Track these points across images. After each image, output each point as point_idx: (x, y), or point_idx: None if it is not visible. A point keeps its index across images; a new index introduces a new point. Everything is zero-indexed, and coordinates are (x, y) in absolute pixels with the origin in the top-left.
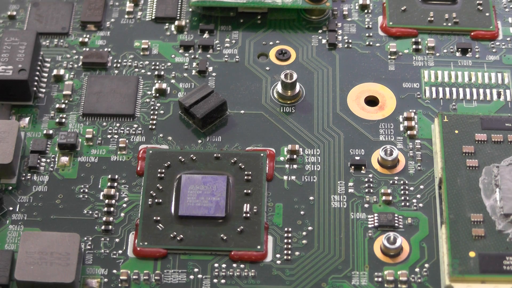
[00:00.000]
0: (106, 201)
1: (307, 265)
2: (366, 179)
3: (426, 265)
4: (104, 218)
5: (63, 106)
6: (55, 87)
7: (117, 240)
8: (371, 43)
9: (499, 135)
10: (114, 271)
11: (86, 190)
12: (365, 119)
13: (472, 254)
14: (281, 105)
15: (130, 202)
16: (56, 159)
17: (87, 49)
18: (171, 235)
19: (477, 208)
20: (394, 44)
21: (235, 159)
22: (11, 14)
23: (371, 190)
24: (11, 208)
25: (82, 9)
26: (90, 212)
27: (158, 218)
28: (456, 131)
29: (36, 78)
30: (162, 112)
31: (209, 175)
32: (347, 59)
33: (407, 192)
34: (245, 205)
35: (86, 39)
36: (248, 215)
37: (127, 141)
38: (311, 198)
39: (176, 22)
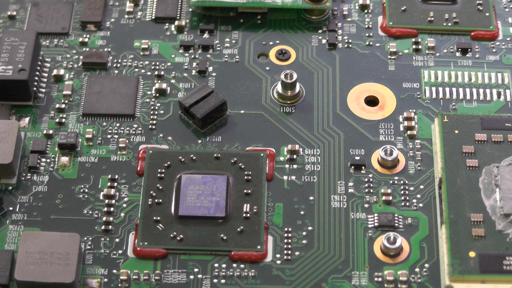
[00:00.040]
0: (106, 201)
1: (307, 265)
2: (366, 179)
3: (426, 265)
4: (104, 218)
5: (63, 106)
6: (55, 87)
7: (117, 240)
8: (371, 43)
9: (499, 135)
10: (114, 271)
11: (86, 190)
12: (365, 119)
13: (472, 254)
14: (281, 105)
15: (130, 202)
16: (56, 159)
17: (87, 49)
18: (171, 235)
19: (477, 208)
20: (394, 44)
21: (235, 159)
22: (11, 14)
23: (371, 190)
24: (11, 208)
25: (82, 9)
26: (90, 212)
27: (158, 218)
28: (456, 131)
29: (36, 78)
30: (162, 112)
31: (209, 175)
32: (347, 59)
33: (407, 192)
34: (245, 205)
35: (86, 39)
36: (248, 215)
37: (127, 141)
38: (311, 198)
39: (176, 22)
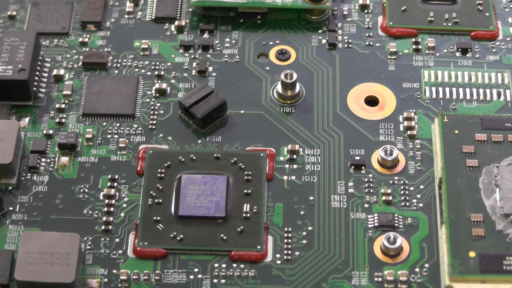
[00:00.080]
0: (106, 201)
1: (307, 265)
2: (366, 179)
3: (426, 265)
4: (104, 218)
5: (63, 106)
6: (55, 87)
7: (117, 240)
8: (371, 43)
9: (499, 135)
10: (114, 271)
11: (86, 190)
12: (365, 119)
13: (472, 254)
14: (281, 105)
15: (130, 202)
16: (56, 159)
17: (87, 49)
18: (171, 235)
19: (477, 208)
20: (394, 44)
21: (235, 159)
22: (11, 14)
23: (371, 190)
24: (11, 208)
25: (82, 9)
26: (90, 212)
27: (158, 218)
28: (456, 131)
29: (36, 78)
30: (162, 112)
31: (209, 175)
32: (347, 59)
33: (407, 192)
34: (245, 205)
35: (86, 39)
36: (248, 215)
37: (127, 141)
38: (311, 198)
39: (176, 22)
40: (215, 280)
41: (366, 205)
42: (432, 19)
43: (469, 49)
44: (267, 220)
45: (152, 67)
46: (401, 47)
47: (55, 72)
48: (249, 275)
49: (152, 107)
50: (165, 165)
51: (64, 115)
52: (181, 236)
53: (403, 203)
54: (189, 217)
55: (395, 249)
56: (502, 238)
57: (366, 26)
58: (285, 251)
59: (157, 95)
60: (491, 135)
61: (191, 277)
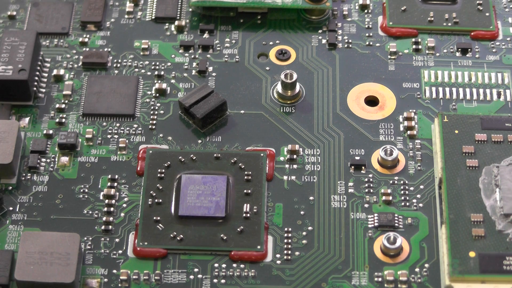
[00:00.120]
0: (106, 201)
1: (307, 265)
2: (366, 179)
3: (426, 265)
4: (104, 218)
5: (63, 106)
6: (55, 87)
7: (117, 240)
8: (371, 43)
9: (499, 135)
10: (114, 271)
11: (86, 190)
12: (365, 119)
13: (472, 254)
14: (281, 105)
15: (130, 202)
16: (56, 159)
17: (87, 49)
18: (171, 235)
19: (477, 208)
20: (394, 44)
21: (235, 159)
22: (11, 14)
23: (371, 190)
24: (11, 208)
25: (82, 9)
26: (90, 212)
27: (158, 218)
28: (456, 131)
29: (36, 78)
30: (162, 112)
31: (209, 175)
32: (347, 59)
33: (407, 192)
34: (245, 205)
35: (86, 39)
36: (248, 215)
37: (127, 141)
38: (311, 198)
39: (176, 22)
40: (215, 280)
41: (366, 205)
42: (432, 19)
43: (469, 49)
44: (267, 220)
45: (152, 67)
46: (401, 47)
47: (55, 72)
48: (249, 275)
49: (152, 107)
50: (165, 165)
51: (64, 115)
52: (181, 236)
53: (403, 203)
54: (189, 217)
55: (395, 249)
56: (502, 238)
57: (366, 26)
58: (285, 251)
59: (157, 95)
60: (491, 135)
61: (191, 277)
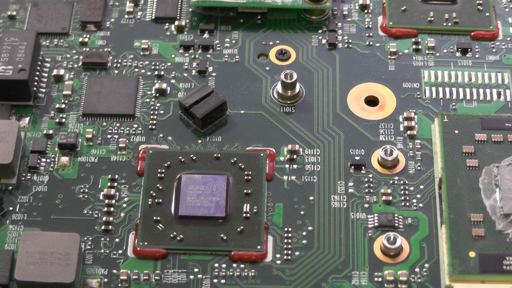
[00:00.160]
0: (106, 201)
1: (307, 265)
2: (366, 179)
3: (426, 265)
4: (104, 218)
5: (63, 106)
6: (55, 87)
7: (117, 240)
8: (371, 43)
9: (499, 135)
10: (114, 271)
11: (86, 190)
12: (365, 119)
13: (472, 254)
14: (281, 105)
15: (130, 202)
16: (56, 159)
17: (87, 49)
18: (171, 235)
19: (477, 208)
20: (394, 44)
21: (235, 159)
22: (11, 14)
23: (371, 190)
24: (11, 208)
25: (82, 9)
26: (90, 212)
27: (158, 218)
28: (456, 131)
29: (36, 78)
30: (162, 112)
31: (209, 175)
32: (347, 59)
33: (407, 192)
34: (245, 205)
35: (86, 39)
36: (248, 215)
37: (127, 141)
38: (311, 198)
39: (176, 22)
40: (215, 280)
41: (366, 205)
42: (432, 19)
43: (469, 49)
44: (267, 220)
45: (152, 67)
46: (401, 47)
47: (55, 72)
48: (249, 275)
49: (152, 107)
50: (165, 165)
51: (64, 115)
52: (181, 236)
53: (403, 203)
54: (189, 217)
55: (395, 249)
56: (502, 238)
57: (366, 26)
58: (285, 251)
59: (157, 95)
60: (491, 135)
61: (191, 277)
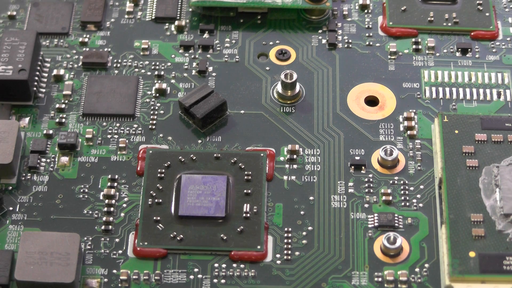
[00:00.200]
0: (106, 201)
1: (307, 265)
2: (366, 179)
3: (426, 265)
4: (104, 218)
5: (63, 106)
6: (55, 87)
7: (117, 240)
8: (371, 43)
9: (499, 135)
10: (114, 271)
11: (86, 190)
12: (365, 119)
13: (472, 254)
14: (281, 105)
15: (130, 202)
16: (56, 159)
17: (87, 49)
18: (171, 235)
19: (477, 208)
20: (394, 44)
21: (235, 159)
22: (11, 14)
23: (371, 190)
24: (11, 208)
25: (82, 9)
26: (90, 212)
27: (158, 218)
28: (456, 131)
29: (36, 78)
30: (162, 112)
31: (209, 175)
32: (347, 59)
33: (407, 192)
34: (245, 205)
35: (86, 39)
36: (248, 215)
37: (127, 141)
38: (311, 198)
39: (176, 22)
40: (215, 280)
41: (366, 205)
42: (432, 19)
43: (469, 49)
44: (267, 220)
45: (152, 67)
46: (401, 47)
47: (55, 72)
48: (249, 275)
49: (152, 107)
50: (165, 165)
51: (64, 115)
52: (181, 236)
53: (403, 203)
54: (189, 217)
55: (395, 249)
56: (502, 238)
57: (366, 26)
58: (285, 251)
59: (157, 95)
60: (491, 135)
61: (191, 277)
